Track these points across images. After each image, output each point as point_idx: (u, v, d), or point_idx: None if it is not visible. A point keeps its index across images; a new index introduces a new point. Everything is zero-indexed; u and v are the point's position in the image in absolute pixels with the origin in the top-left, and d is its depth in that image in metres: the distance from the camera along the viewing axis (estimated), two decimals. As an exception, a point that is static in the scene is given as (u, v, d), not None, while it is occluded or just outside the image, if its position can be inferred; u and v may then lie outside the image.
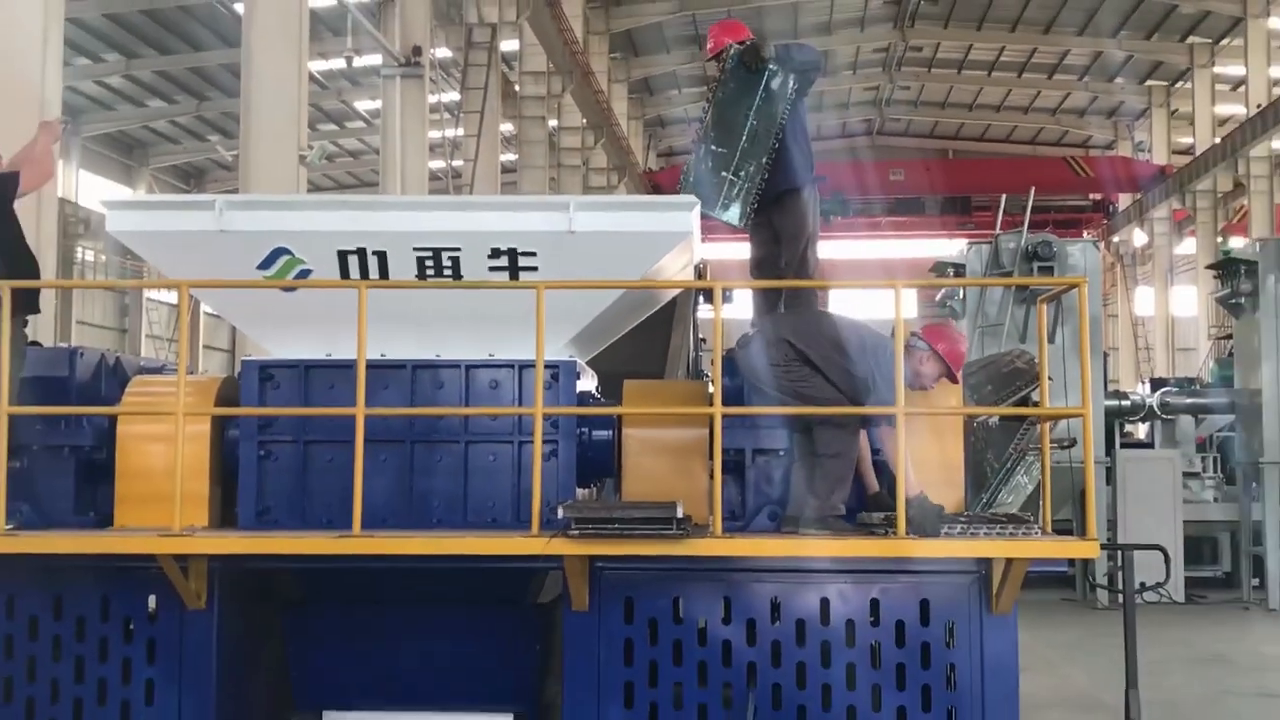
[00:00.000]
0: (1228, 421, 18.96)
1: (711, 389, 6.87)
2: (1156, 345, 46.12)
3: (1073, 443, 10.06)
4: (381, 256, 6.97)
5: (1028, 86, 47.64)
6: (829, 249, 43.68)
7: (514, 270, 6.98)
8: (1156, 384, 21.29)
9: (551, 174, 33.46)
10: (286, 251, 6.98)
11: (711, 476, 6.85)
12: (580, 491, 7.62)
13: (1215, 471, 19.07)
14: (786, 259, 7.62)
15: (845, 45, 44.27)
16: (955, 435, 6.98)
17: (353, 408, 6.53)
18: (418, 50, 22.98)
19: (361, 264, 6.98)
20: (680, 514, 6.17)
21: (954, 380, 6.90)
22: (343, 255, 6.97)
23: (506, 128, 32.07)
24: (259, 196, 8.41)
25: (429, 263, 6.98)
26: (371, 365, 7.06)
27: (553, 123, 33.69)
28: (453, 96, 28.27)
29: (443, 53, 28.73)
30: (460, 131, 26.37)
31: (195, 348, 36.70)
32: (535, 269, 6.97)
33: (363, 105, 40.76)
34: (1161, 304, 46.00)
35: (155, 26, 34.76)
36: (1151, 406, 18.52)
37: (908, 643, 6.65)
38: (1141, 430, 22.43)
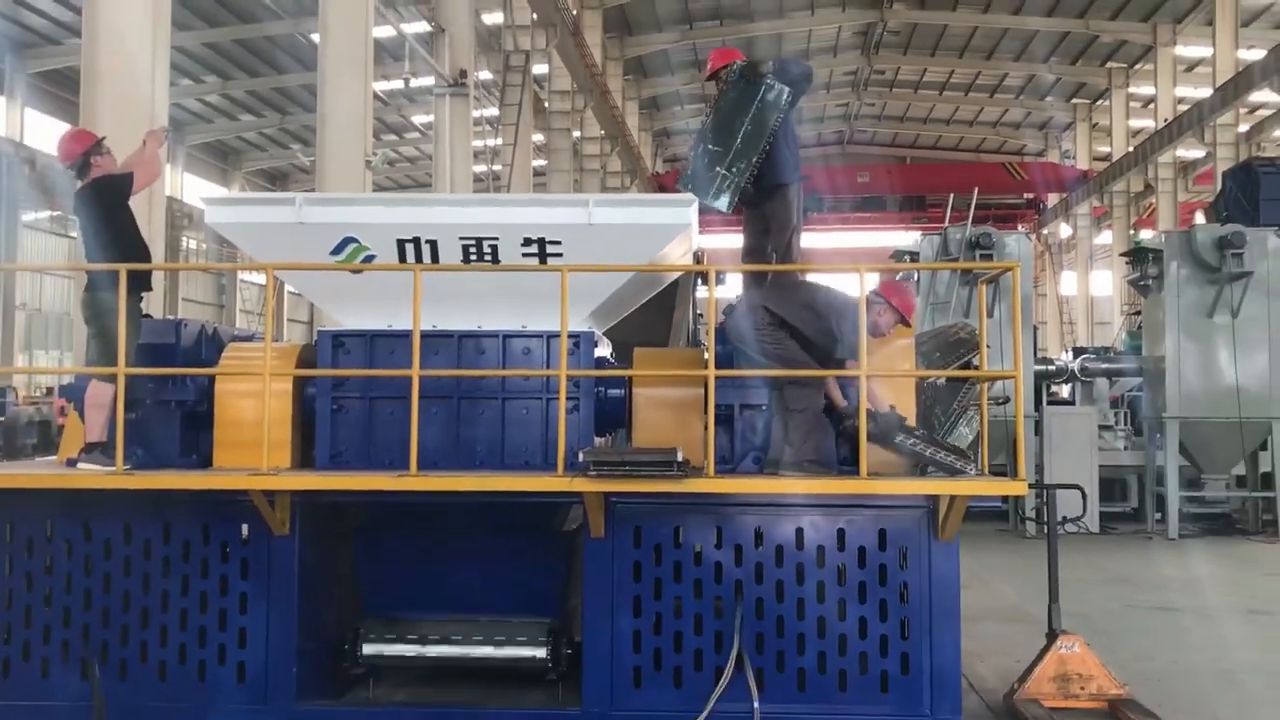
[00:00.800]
0: (1137, 383, 18.88)
1: (707, 355, 6.86)
2: (1078, 320, 46.02)
3: (1006, 400, 10.09)
4: (433, 244, 6.96)
5: (973, 103, 47.37)
6: (807, 240, 43.67)
7: (542, 256, 6.97)
8: (1078, 352, 21.21)
9: (575, 176, 33.32)
10: (354, 240, 6.97)
11: (706, 428, 6.91)
12: (598, 440, 7.63)
13: (1126, 424, 18.96)
14: (774, 245, 7.58)
15: (820, 69, 43.68)
16: (909, 394, 6.97)
17: (409, 369, 6.57)
18: (464, 73, 22.84)
19: (416, 251, 6.98)
20: (680, 458, 6.18)
21: (907, 325, 6.95)
22: (401, 243, 6.96)
23: (538, 138, 31.94)
24: (331, 195, 8.39)
25: (472, 250, 6.97)
26: (425, 335, 7.09)
27: (576, 134, 33.53)
28: (492, 112, 28.12)
29: (485, 75, 28.62)
30: (499, 141, 26.26)
31: (280, 320, 36.70)
32: (560, 255, 6.96)
33: (419, 119, 40.62)
34: (1083, 286, 45.93)
35: (246, 53, 34.73)
36: (1073, 370, 18.42)
37: (868, 565, 6.66)
38: (1065, 391, 22.31)
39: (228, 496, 6.65)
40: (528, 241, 6.94)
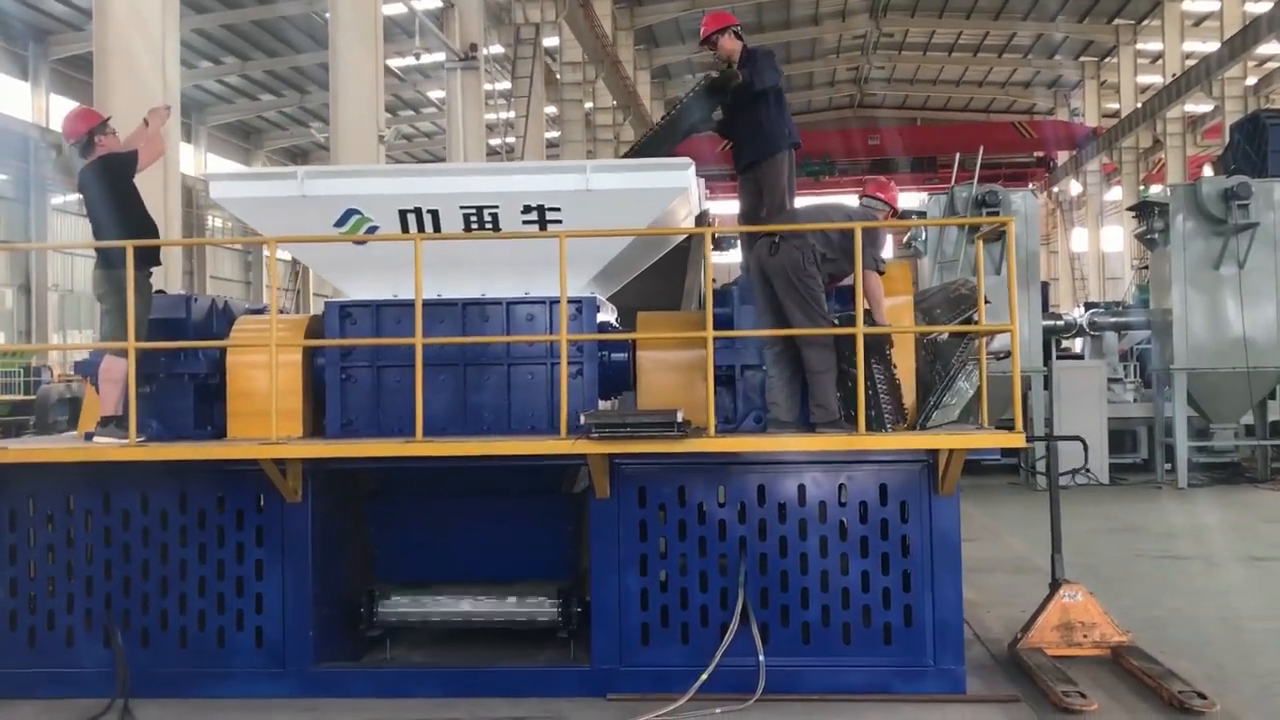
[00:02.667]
0: (1145, 336, 18.73)
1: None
2: (1090, 275, 45.67)
3: (1009, 354, 9.97)
4: (434, 214, 6.93)
5: (982, 64, 46.79)
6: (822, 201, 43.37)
7: (542, 223, 6.91)
8: (1089, 307, 21.04)
9: (589, 147, 33.14)
10: (357, 212, 6.94)
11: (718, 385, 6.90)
12: (604, 403, 7.60)
13: (1135, 377, 18.86)
14: (767, 207, 7.61)
15: (829, 33, 43.57)
16: (908, 350, 6.90)
17: (412, 338, 6.54)
18: (474, 47, 22.72)
19: (418, 220, 6.94)
20: (680, 419, 6.14)
21: (895, 215, 7.23)
22: (403, 214, 6.92)
23: (550, 110, 31.77)
24: (333, 167, 8.34)
25: (473, 218, 6.93)
26: (429, 303, 7.06)
27: (588, 105, 33.33)
28: (504, 85, 27.98)
29: (496, 49, 28.41)
30: (511, 114, 26.12)
31: (306, 294, 36.75)
32: (560, 221, 6.91)
33: (434, 94, 40.37)
34: (1093, 242, 45.53)
35: (264, 34, 34.62)
36: (1082, 325, 18.30)
37: (869, 519, 6.62)
38: (1078, 345, 22.16)
39: (241, 466, 6.65)
40: (527, 209, 6.88)
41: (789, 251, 6.65)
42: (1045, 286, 27.78)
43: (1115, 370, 18.57)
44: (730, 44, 7.81)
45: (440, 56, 26.27)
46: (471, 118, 22.76)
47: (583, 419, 6.23)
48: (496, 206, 6.88)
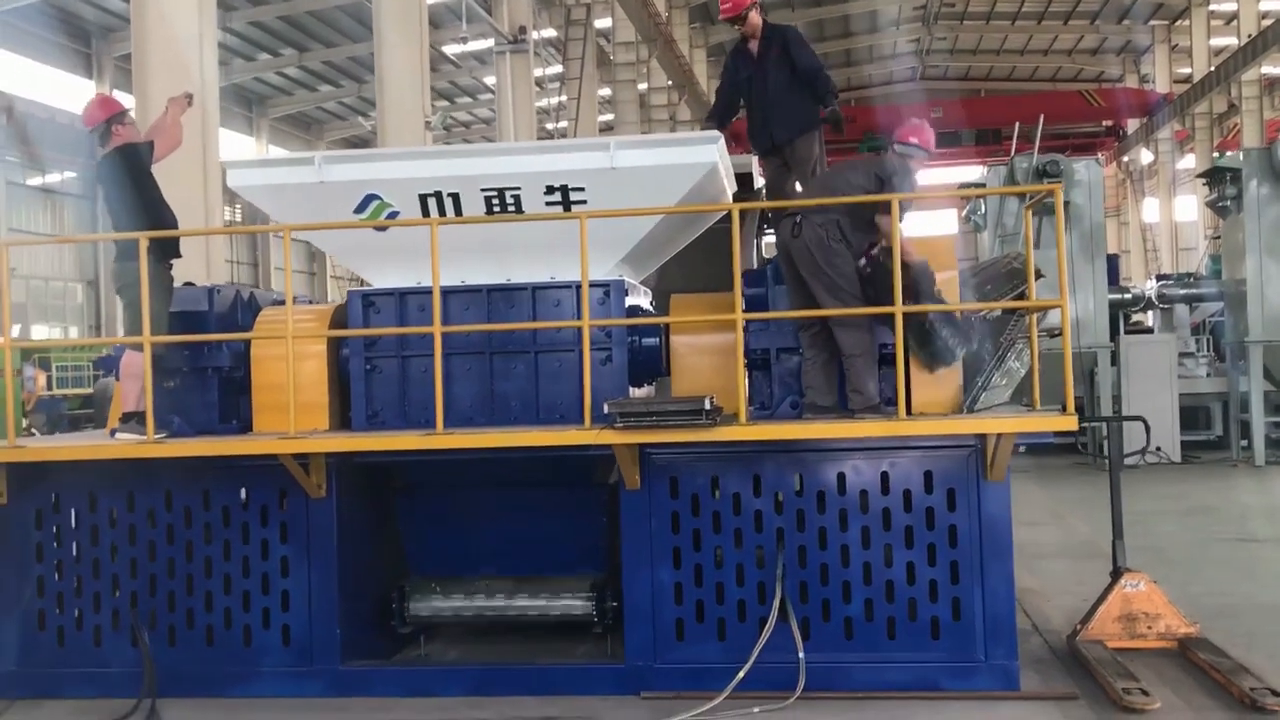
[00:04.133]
0: (1218, 308, 17.99)
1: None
2: (1162, 247, 44.35)
3: (1060, 332, 9.51)
4: (455, 197, 6.69)
5: (1047, 31, 45.45)
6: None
7: (566, 204, 6.65)
8: (1161, 280, 20.27)
9: (643, 128, 32.73)
10: (376, 197, 6.74)
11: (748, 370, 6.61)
12: (641, 390, 7.34)
13: (1208, 350, 18.13)
14: (798, 178, 7.56)
15: (889, 5, 42.61)
16: (952, 328, 6.52)
17: (430, 327, 6.32)
18: (523, 29, 22.49)
19: (439, 204, 6.71)
20: (708, 406, 5.84)
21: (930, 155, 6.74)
22: (423, 198, 6.70)
23: (604, 92, 31.43)
24: (350, 152, 8.11)
25: (495, 201, 6.68)
26: (454, 290, 6.87)
27: (642, 86, 32.90)
28: (555, 69, 27.69)
29: (547, 32, 28.12)
30: (564, 98, 25.85)
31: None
32: (584, 202, 6.64)
33: (489, 80, 40.24)
34: (1166, 212, 44.23)
35: (320, 24, 34.67)
36: (1151, 298, 17.62)
37: (914, 508, 6.28)
38: (1151, 319, 21.41)
39: (264, 461, 6.48)
40: (550, 190, 6.62)
41: (811, 230, 6.31)
42: (1115, 259, 26.98)
43: (1187, 344, 17.85)
44: (758, 18, 7.67)
45: (493, 42, 26.04)
46: (522, 102, 22.53)
47: (606, 408, 5.95)
48: (519, 188, 6.62)
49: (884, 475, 6.29)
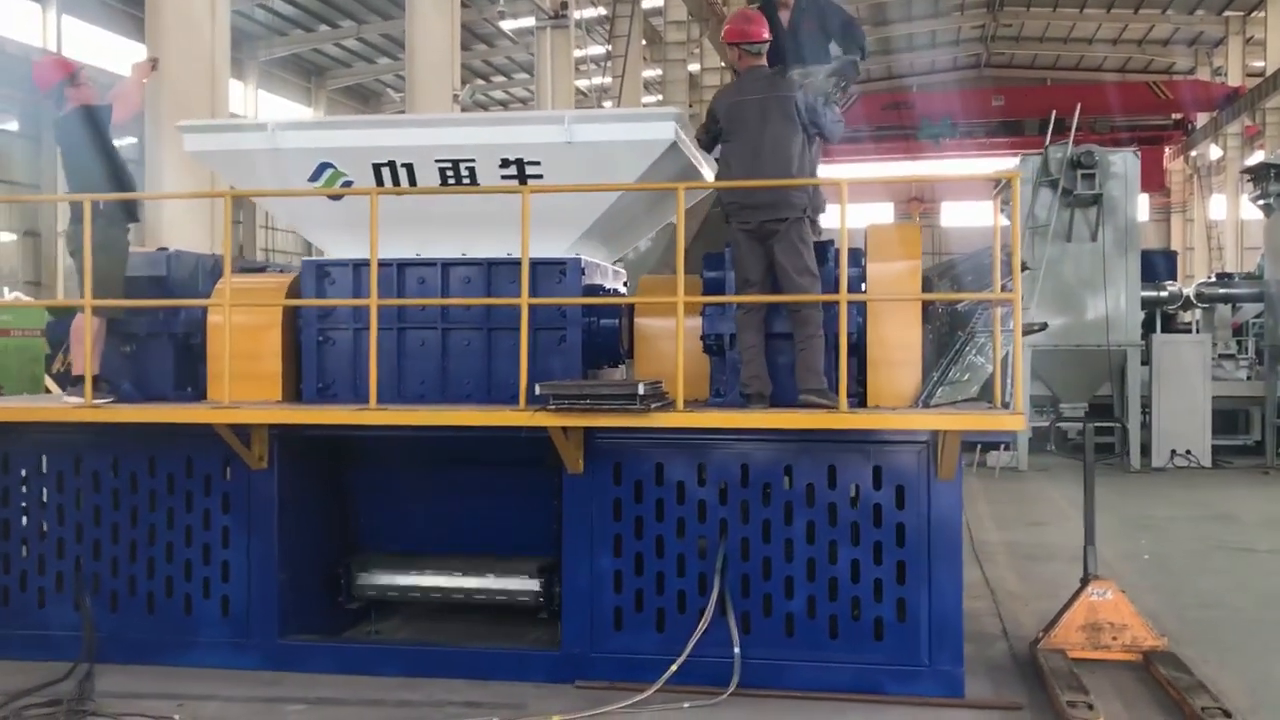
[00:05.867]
0: (1260, 308, 17.38)
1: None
2: (1227, 244, 43.06)
3: (1044, 326, 9.19)
4: (409, 168, 6.58)
5: (1116, 20, 44.15)
6: (942, 166, 41.88)
7: (522, 177, 6.49)
8: (1220, 278, 19.55)
9: (694, 110, 32.36)
10: (330, 165, 6.63)
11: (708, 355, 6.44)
12: (618, 372, 7.17)
13: (1249, 353, 17.51)
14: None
15: (952, -11, 41.78)
16: (913, 321, 6.26)
17: (394, 299, 6.24)
18: (564, 5, 22.27)
19: (393, 174, 6.59)
20: (643, 390, 5.65)
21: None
22: (376, 168, 6.59)
23: (651, 73, 31.03)
24: (305, 119, 8.01)
25: (449, 172, 6.55)
26: (409, 263, 6.78)
27: (694, 66, 32.50)
28: (595, 50, 27.22)
29: (588, 12, 27.77)
30: (608, 79, 25.58)
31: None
32: (540, 176, 6.48)
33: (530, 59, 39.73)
34: (1232, 209, 42.86)
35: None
36: (1188, 296, 17.04)
37: (861, 504, 6.04)
38: (1195, 318, 20.75)
39: (208, 430, 6.40)
40: (505, 163, 6.47)
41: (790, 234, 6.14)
42: (1172, 255, 26.23)
43: (1227, 345, 17.26)
44: None
45: (534, 20, 25.83)
46: (561, 80, 22.35)
47: (538, 389, 5.79)
48: (473, 160, 6.48)
49: (831, 469, 6.06)
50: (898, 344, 6.22)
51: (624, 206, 6.73)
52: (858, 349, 6.27)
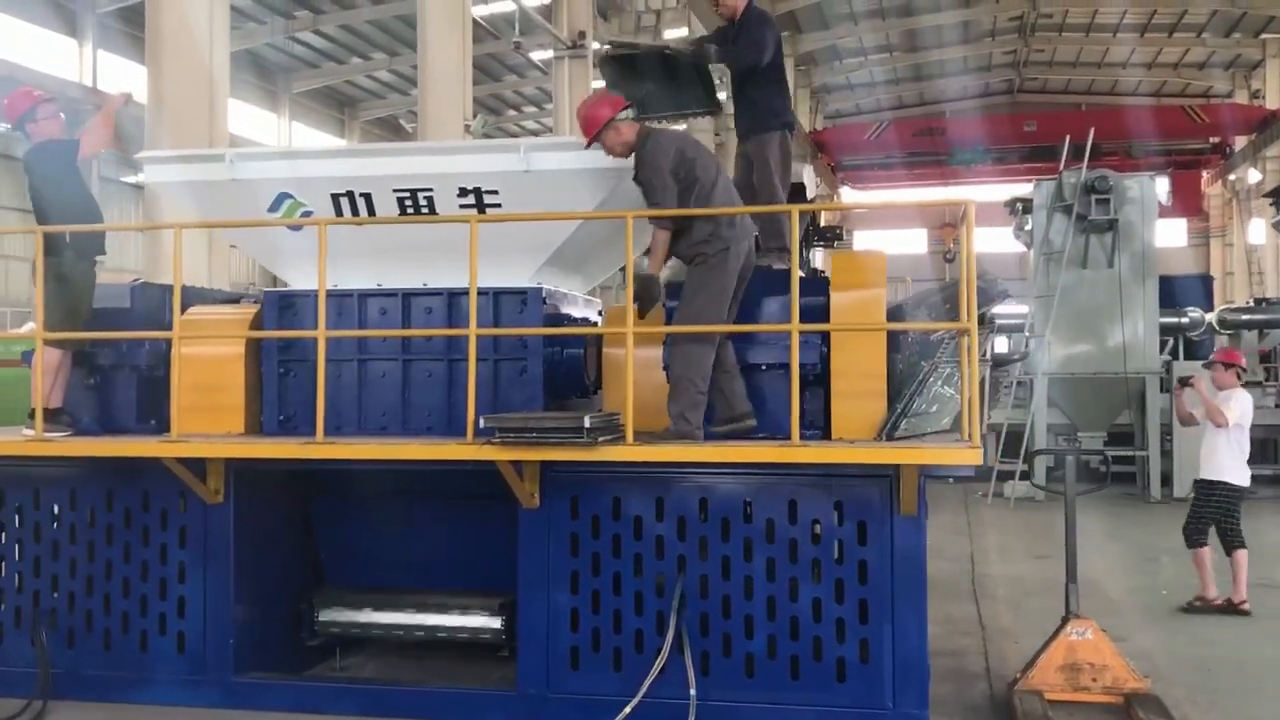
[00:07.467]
0: (1287, 335, 16.97)
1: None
2: (1268, 270, 42.31)
3: (1024, 356, 8.92)
4: (367, 197, 6.49)
5: (1150, 45, 43.70)
6: (974, 192, 41.47)
7: (480, 206, 6.38)
8: (1260, 303, 19.11)
9: (719, 140, 32.22)
10: (290, 196, 6.56)
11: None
12: (584, 404, 7.02)
13: (1277, 380, 17.06)
14: (757, 190, 6.95)
15: (984, 15, 41.48)
16: (878, 351, 6.07)
17: (356, 331, 6.20)
18: (582, 34, 22.27)
19: (351, 204, 6.51)
20: (589, 424, 5.49)
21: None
22: (335, 198, 6.51)
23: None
24: (263, 150, 7.97)
25: (408, 202, 6.46)
26: (370, 294, 6.70)
27: (722, 95, 32.38)
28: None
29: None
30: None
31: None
32: (499, 205, 6.37)
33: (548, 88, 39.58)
34: (1272, 233, 42.11)
35: (409, 29, 33.86)
36: (1210, 323, 16.63)
37: (823, 540, 5.84)
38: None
39: (162, 464, 6.32)
40: (463, 191, 6.37)
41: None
42: (1210, 280, 25.72)
43: (1255, 373, 16.82)
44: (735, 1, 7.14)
45: (551, 52, 25.83)
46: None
47: (483, 421, 5.65)
48: (431, 190, 6.38)
49: (792, 504, 5.87)
50: (862, 374, 6.03)
51: (585, 235, 6.59)
52: (822, 379, 6.10)
